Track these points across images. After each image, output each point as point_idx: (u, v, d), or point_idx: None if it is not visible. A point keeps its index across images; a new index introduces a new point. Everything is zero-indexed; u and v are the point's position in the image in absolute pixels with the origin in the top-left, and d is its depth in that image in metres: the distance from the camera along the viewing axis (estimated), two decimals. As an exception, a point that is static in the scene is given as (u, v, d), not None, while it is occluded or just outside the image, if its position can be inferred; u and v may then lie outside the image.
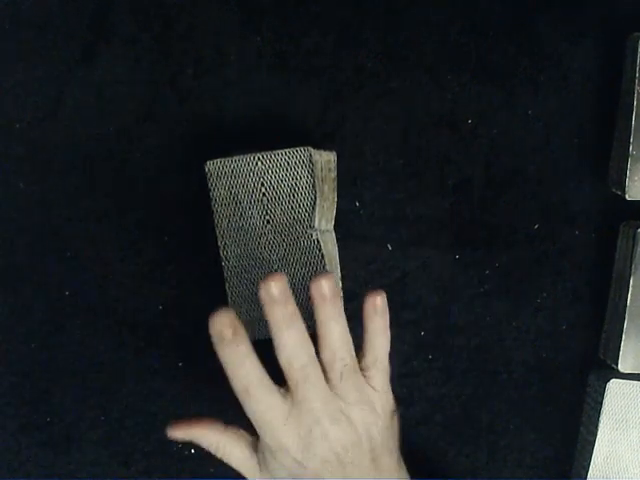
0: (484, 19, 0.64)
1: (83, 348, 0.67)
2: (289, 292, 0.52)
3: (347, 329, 0.54)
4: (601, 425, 0.62)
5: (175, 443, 0.68)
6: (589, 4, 0.63)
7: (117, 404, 0.67)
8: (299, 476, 0.53)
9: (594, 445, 0.63)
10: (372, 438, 0.55)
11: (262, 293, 0.51)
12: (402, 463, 0.57)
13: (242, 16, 0.64)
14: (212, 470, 0.68)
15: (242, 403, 0.52)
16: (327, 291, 0.53)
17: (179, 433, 0.56)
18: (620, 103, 0.63)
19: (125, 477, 0.68)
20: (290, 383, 0.53)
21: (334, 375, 0.54)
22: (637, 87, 0.59)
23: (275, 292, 0.51)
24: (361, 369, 0.56)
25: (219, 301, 0.65)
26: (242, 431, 0.57)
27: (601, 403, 0.62)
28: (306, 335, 0.53)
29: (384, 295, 0.56)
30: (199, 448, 0.67)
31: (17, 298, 0.67)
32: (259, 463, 0.56)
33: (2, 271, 0.67)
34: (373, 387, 0.56)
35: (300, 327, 0.52)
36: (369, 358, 0.56)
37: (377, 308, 0.56)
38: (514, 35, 0.64)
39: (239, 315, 0.62)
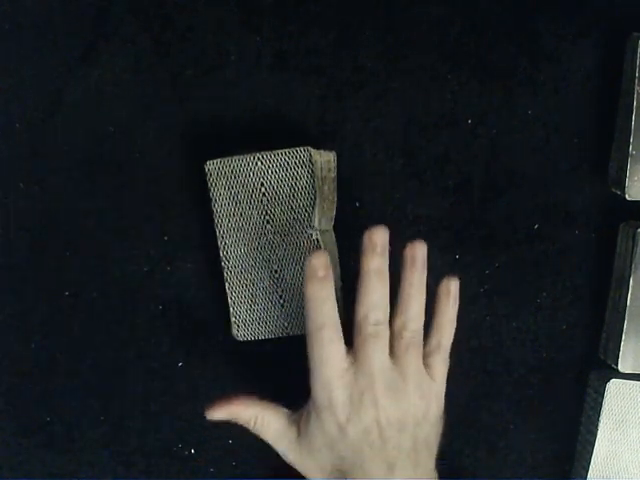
0: (484, 19, 0.64)
1: (83, 348, 0.67)
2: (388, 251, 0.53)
3: (424, 306, 0.55)
4: (601, 425, 0.62)
5: (175, 443, 0.68)
6: (589, 4, 0.63)
7: (117, 404, 0.68)
8: (337, 445, 0.52)
9: (594, 445, 0.63)
10: (419, 425, 0.53)
11: (367, 240, 0.53)
12: (436, 472, 0.55)
13: (242, 16, 0.64)
14: (212, 470, 0.68)
15: (310, 343, 0.52)
16: (420, 257, 0.54)
17: (219, 413, 0.56)
18: (620, 103, 0.63)
19: (125, 477, 0.68)
20: (358, 339, 0.52)
21: (400, 345, 0.53)
22: (637, 87, 0.59)
23: (380, 243, 0.53)
24: (424, 353, 0.55)
25: (219, 301, 0.65)
26: (278, 405, 0.57)
27: (601, 403, 0.62)
28: (387, 296, 0.53)
29: (458, 282, 0.57)
30: (199, 448, 0.67)
31: (17, 298, 0.67)
32: (298, 432, 0.55)
33: (2, 271, 0.67)
34: (432, 376, 0.55)
35: (386, 286, 0.53)
36: (434, 342, 0.56)
37: (452, 295, 0.57)
38: (514, 35, 0.64)
39: (239, 315, 0.62)
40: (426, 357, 0.55)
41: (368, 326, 0.52)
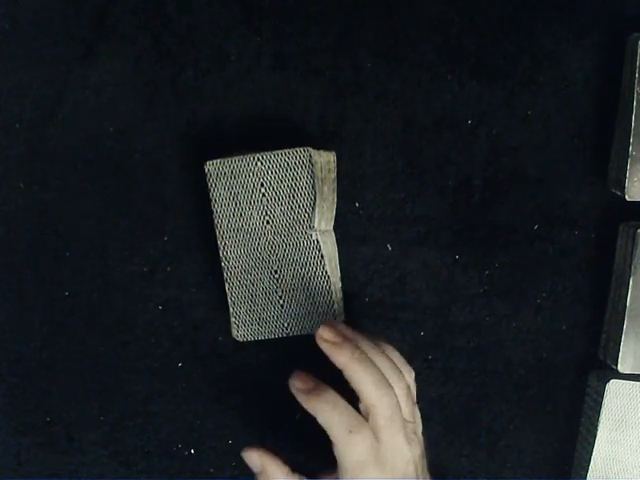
0: (484, 19, 0.64)
1: (83, 348, 0.67)
2: (346, 333, 0.54)
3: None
4: (601, 425, 0.62)
5: (175, 443, 0.68)
6: (589, 4, 0.63)
7: (117, 404, 0.68)
8: None
9: (594, 445, 0.62)
10: (423, 446, 0.57)
11: (323, 338, 0.53)
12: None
13: (242, 16, 0.64)
14: (212, 470, 0.68)
15: (341, 446, 0.52)
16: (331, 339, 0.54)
17: (254, 456, 0.56)
18: (620, 103, 0.63)
19: (125, 477, 0.68)
20: (376, 422, 0.53)
21: (405, 404, 0.55)
22: (637, 87, 0.59)
23: (331, 336, 0.53)
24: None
25: (219, 301, 0.65)
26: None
27: (601, 404, 0.62)
28: (379, 370, 0.53)
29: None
30: (199, 448, 0.67)
31: (17, 298, 0.67)
32: None
33: (2, 271, 0.67)
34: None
35: (372, 365, 0.53)
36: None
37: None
38: (514, 35, 0.64)
39: (239, 315, 0.62)
40: None
41: (384, 411, 0.53)
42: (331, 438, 0.52)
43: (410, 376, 0.59)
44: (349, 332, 0.55)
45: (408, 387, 0.56)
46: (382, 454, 0.53)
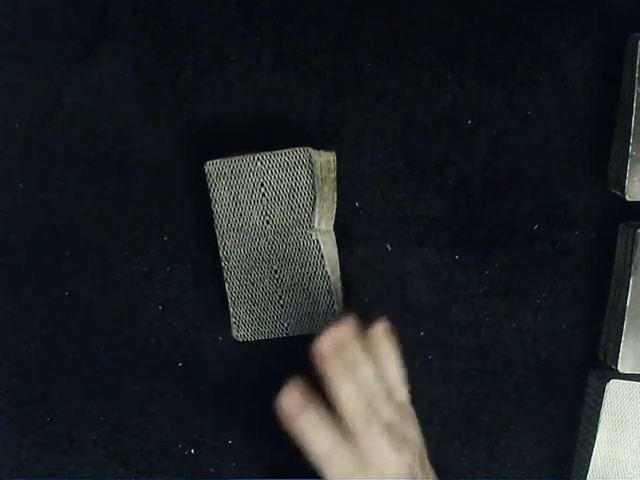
0: (484, 19, 0.64)
1: (83, 348, 0.67)
2: (343, 342, 0.53)
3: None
4: (601, 426, 0.62)
5: (175, 443, 0.68)
6: (589, 4, 0.63)
7: (117, 404, 0.68)
8: None
9: (594, 446, 0.62)
10: (420, 448, 0.56)
11: (316, 350, 0.52)
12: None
13: (242, 16, 0.65)
14: (212, 470, 0.68)
15: (323, 467, 0.51)
16: (383, 331, 0.55)
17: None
18: (620, 103, 0.63)
19: (125, 477, 0.68)
20: (354, 430, 0.52)
21: (385, 407, 0.54)
22: (637, 87, 0.59)
23: (326, 348, 0.52)
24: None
25: (219, 301, 0.65)
26: None
27: (601, 404, 0.62)
28: (362, 381, 0.53)
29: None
30: (199, 448, 0.67)
31: (17, 298, 0.67)
32: None
33: (2, 271, 0.67)
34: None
35: (355, 377, 0.52)
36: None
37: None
38: (514, 35, 0.64)
39: (239, 315, 0.62)
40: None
41: (359, 420, 0.52)
42: (313, 462, 0.51)
43: (398, 384, 0.57)
44: (348, 335, 0.54)
45: (389, 390, 0.55)
46: (366, 461, 0.52)
